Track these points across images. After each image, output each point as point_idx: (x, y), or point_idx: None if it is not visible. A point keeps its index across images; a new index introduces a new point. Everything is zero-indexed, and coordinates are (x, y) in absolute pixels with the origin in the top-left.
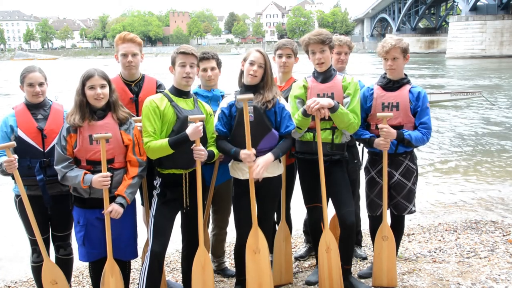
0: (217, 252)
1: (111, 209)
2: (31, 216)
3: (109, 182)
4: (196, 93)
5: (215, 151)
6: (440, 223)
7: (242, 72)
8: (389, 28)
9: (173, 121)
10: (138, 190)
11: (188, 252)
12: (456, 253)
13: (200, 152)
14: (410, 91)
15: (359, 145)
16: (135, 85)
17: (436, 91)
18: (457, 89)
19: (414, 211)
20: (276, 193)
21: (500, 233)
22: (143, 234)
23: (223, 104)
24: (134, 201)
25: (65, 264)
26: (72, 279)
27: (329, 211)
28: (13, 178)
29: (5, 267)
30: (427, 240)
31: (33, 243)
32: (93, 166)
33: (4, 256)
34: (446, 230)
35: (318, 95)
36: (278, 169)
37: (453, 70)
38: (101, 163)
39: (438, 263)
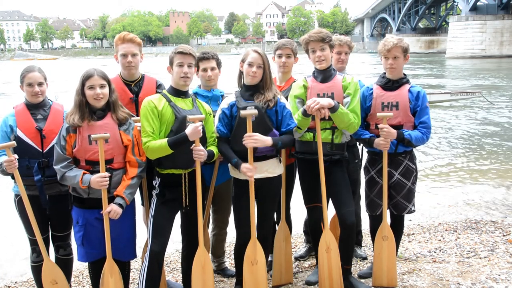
0: (217, 252)
1: (110, 209)
2: (31, 215)
3: (107, 182)
4: (196, 93)
5: (215, 150)
6: (440, 223)
7: (241, 73)
8: (389, 28)
9: (171, 121)
10: (138, 190)
11: (188, 252)
12: (456, 253)
13: (199, 152)
14: (409, 90)
15: (359, 144)
16: (135, 85)
17: (436, 91)
18: (457, 89)
19: (414, 210)
20: (276, 193)
21: (500, 233)
22: (143, 234)
23: (224, 104)
24: (133, 201)
25: (65, 264)
26: (72, 279)
27: (329, 211)
28: (13, 178)
29: (5, 267)
30: (427, 240)
31: (33, 242)
32: (92, 166)
33: (4, 256)
34: (446, 230)
35: (318, 95)
36: (278, 169)
37: (453, 70)
38: (100, 163)
39: (438, 263)
